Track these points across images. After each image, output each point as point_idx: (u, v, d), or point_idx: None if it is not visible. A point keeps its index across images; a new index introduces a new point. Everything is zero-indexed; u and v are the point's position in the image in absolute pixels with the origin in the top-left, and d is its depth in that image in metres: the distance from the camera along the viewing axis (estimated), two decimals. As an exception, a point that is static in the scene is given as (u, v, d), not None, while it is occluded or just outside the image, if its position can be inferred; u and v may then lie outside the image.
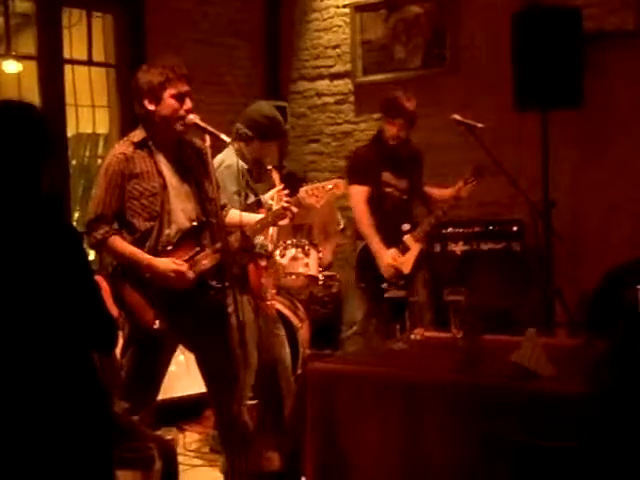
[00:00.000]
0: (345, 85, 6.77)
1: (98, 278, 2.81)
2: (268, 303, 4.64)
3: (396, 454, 2.95)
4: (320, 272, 5.39)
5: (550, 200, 5.25)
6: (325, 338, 5.84)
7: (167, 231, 3.44)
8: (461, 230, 5.71)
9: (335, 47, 6.81)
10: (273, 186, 4.55)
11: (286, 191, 4.27)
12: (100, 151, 6.52)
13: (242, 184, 4.25)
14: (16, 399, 2.26)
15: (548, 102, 5.15)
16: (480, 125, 4.74)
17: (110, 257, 3.56)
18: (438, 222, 4.86)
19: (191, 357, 3.74)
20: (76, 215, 6.06)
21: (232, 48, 6.72)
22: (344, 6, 6.71)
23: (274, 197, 4.36)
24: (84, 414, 2.35)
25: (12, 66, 5.68)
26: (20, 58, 5.65)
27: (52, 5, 5.50)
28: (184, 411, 5.12)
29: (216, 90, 6.35)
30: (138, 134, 3.49)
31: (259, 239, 4.23)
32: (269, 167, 4.67)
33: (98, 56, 5.90)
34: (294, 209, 3.63)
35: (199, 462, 4.60)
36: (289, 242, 5.22)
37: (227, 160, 4.22)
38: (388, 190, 4.81)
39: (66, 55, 5.63)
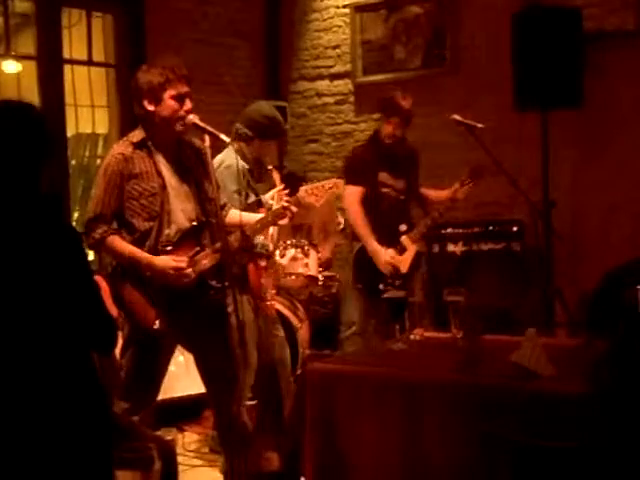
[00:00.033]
0: (345, 85, 6.77)
1: (98, 278, 2.80)
2: (268, 303, 4.64)
3: (396, 454, 2.94)
4: (320, 272, 5.39)
5: (550, 200, 5.25)
6: (325, 338, 5.84)
7: (167, 231, 3.44)
8: (461, 230, 5.71)
9: (335, 47, 6.81)
10: (273, 186, 4.55)
11: (286, 191, 4.27)
12: (100, 151, 6.51)
13: (242, 183, 4.26)
14: (16, 399, 2.26)
15: (548, 102, 5.15)
16: (480, 125, 4.74)
17: (109, 257, 3.56)
18: (434, 223, 4.86)
19: (191, 357, 3.74)
20: (75, 215, 6.05)
21: (232, 48, 6.72)
22: (344, 6, 6.71)
23: (274, 197, 4.36)
24: (84, 414, 2.35)
25: (12, 66, 5.67)
26: (20, 58, 5.64)
27: (52, 5, 5.50)
28: (184, 411, 5.12)
29: (216, 90, 6.35)
30: (137, 134, 3.49)
31: (260, 239, 4.23)
32: (269, 167, 4.67)
33: (98, 56, 5.90)
34: (294, 208, 3.63)
35: (199, 462, 4.60)
36: (289, 242, 5.22)
37: (227, 160, 4.22)
38: (385, 190, 4.80)
39: (66, 55, 5.62)
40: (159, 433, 3.79)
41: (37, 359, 2.28)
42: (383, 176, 4.80)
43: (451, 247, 5.71)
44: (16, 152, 2.37)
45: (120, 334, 3.19)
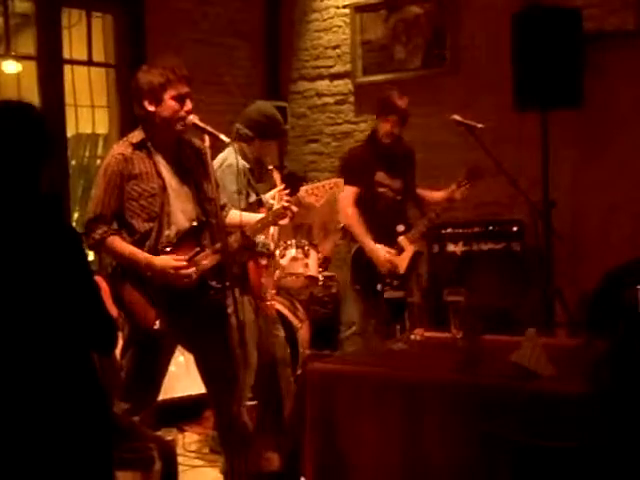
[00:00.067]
0: (345, 85, 6.77)
1: (98, 278, 2.80)
2: (268, 303, 4.64)
3: (396, 454, 2.94)
4: (320, 272, 5.39)
5: (550, 200, 5.26)
6: (325, 338, 5.84)
7: (167, 232, 3.43)
8: (461, 230, 5.71)
9: (335, 47, 6.81)
10: (274, 186, 4.55)
11: (287, 191, 4.27)
12: (99, 151, 6.51)
13: (243, 182, 4.26)
14: (16, 400, 2.26)
15: (548, 102, 5.15)
16: (480, 125, 4.74)
17: (109, 257, 3.55)
18: (432, 224, 4.86)
19: (191, 358, 3.73)
20: (75, 215, 6.05)
21: (232, 48, 6.72)
22: (344, 6, 6.72)
23: (275, 196, 4.37)
24: (84, 415, 2.35)
25: (12, 66, 5.67)
26: (20, 58, 5.64)
27: (52, 5, 5.50)
28: (184, 412, 5.12)
29: (216, 90, 6.35)
30: (137, 135, 3.48)
31: (260, 238, 4.23)
32: (270, 167, 4.67)
33: (98, 56, 5.90)
34: (294, 208, 3.63)
35: (199, 463, 4.60)
36: (289, 242, 5.22)
37: (229, 159, 4.22)
38: (382, 190, 4.80)
39: (66, 55, 5.63)
40: (159, 433, 3.79)
41: (37, 360, 2.28)
42: (380, 176, 4.79)
43: (451, 247, 5.71)
44: (16, 152, 2.37)
45: (120, 334, 3.19)
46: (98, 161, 6.29)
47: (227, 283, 3.45)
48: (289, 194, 4.08)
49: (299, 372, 4.83)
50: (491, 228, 5.65)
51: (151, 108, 3.41)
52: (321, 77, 6.91)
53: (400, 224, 4.79)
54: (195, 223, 3.47)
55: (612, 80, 5.40)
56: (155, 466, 2.96)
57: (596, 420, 2.42)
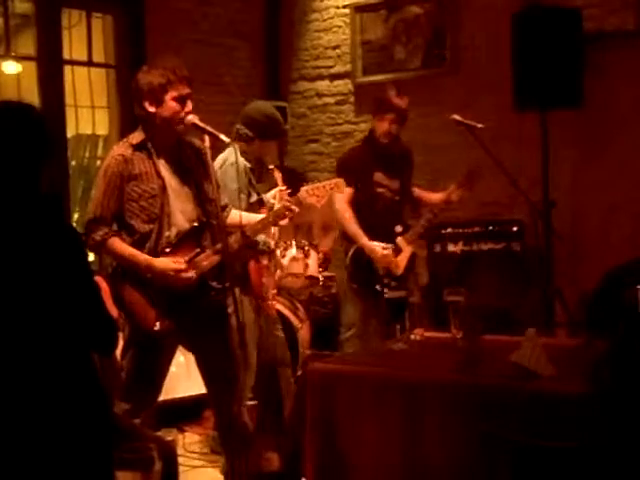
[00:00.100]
0: (345, 85, 6.77)
1: (98, 279, 2.80)
2: (269, 303, 4.64)
3: (396, 454, 2.94)
4: (320, 272, 5.39)
5: (550, 200, 5.25)
6: (325, 338, 5.84)
7: (167, 233, 3.43)
8: (461, 230, 5.71)
9: (335, 47, 6.81)
10: (274, 185, 4.55)
11: (288, 190, 4.27)
12: (100, 152, 6.51)
13: (244, 182, 4.26)
14: (16, 400, 2.26)
15: (548, 102, 5.15)
16: (480, 125, 4.73)
17: (110, 258, 3.56)
18: (429, 224, 4.85)
19: (191, 358, 3.74)
20: (75, 216, 6.05)
21: (232, 48, 6.72)
22: (344, 6, 6.71)
23: (276, 196, 4.37)
24: (84, 415, 2.35)
25: (12, 67, 5.67)
26: (20, 59, 5.64)
27: (52, 6, 5.50)
28: (184, 412, 5.12)
29: (216, 90, 6.35)
30: (137, 136, 3.48)
31: (261, 236, 4.23)
32: (271, 167, 4.67)
33: (98, 57, 5.90)
34: (295, 208, 3.62)
35: (199, 463, 4.60)
36: (289, 242, 5.22)
37: (229, 159, 4.21)
38: (380, 190, 4.78)
39: (66, 56, 5.63)
40: (160, 434, 3.80)
41: (37, 360, 2.28)
42: (378, 176, 4.78)
43: (451, 247, 5.70)
44: (16, 152, 2.37)
45: (121, 335, 3.19)
46: (98, 162, 6.29)
47: (227, 284, 3.46)
48: (290, 194, 4.08)
49: (299, 372, 4.83)
50: (491, 228, 5.65)
51: (152, 109, 3.41)
52: (321, 77, 6.91)
53: (398, 225, 4.78)
54: (196, 224, 3.47)
55: (612, 80, 5.40)
56: (155, 466, 2.96)
57: (596, 420, 2.42)
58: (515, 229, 5.59)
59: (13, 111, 2.44)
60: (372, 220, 4.72)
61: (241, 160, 4.15)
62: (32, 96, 5.33)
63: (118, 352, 3.28)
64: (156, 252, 3.41)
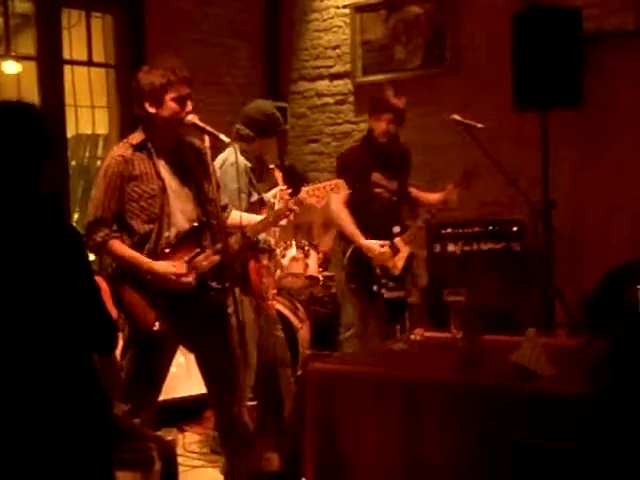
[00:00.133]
0: (345, 85, 6.77)
1: (98, 279, 2.80)
2: (269, 303, 4.64)
3: (396, 454, 2.94)
4: (320, 272, 5.39)
5: (550, 200, 5.26)
6: (325, 338, 5.84)
7: (167, 233, 3.43)
8: (461, 230, 5.71)
9: (335, 47, 6.81)
10: (275, 185, 4.56)
11: (289, 190, 4.27)
12: (100, 152, 6.52)
13: (245, 182, 4.26)
14: (16, 401, 2.26)
15: (548, 102, 5.15)
16: (480, 125, 4.73)
17: (110, 258, 3.55)
18: (427, 225, 4.85)
19: (191, 358, 3.74)
20: (76, 216, 6.06)
21: (232, 49, 6.73)
22: (344, 6, 6.71)
23: (277, 195, 4.37)
24: (84, 416, 2.35)
25: (12, 67, 5.68)
26: (20, 59, 5.65)
27: (51, 6, 5.50)
28: (184, 412, 5.12)
29: (216, 90, 6.35)
30: (137, 136, 3.48)
31: (262, 235, 4.22)
32: (271, 166, 4.67)
33: (98, 57, 5.90)
34: (296, 209, 3.62)
35: (199, 463, 4.60)
36: (289, 242, 5.22)
37: (230, 159, 4.21)
38: (378, 191, 4.77)
39: (66, 56, 5.63)
40: (160, 434, 3.79)
41: (37, 360, 2.28)
42: (376, 176, 4.76)
43: (451, 247, 5.70)
44: (16, 152, 2.37)
45: (120, 335, 3.19)
46: (98, 162, 6.30)
47: (227, 284, 3.46)
48: (290, 193, 4.08)
49: (299, 372, 4.83)
50: (491, 228, 5.65)
51: (152, 109, 3.41)
52: (321, 77, 6.91)
53: (396, 225, 4.77)
54: (195, 224, 3.47)
55: (612, 80, 5.40)
56: (155, 466, 2.96)
57: (596, 420, 2.42)
58: (515, 229, 5.59)
59: (13, 111, 2.44)
60: (369, 220, 4.71)
61: (241, 159, 4.15)
62: (32, 96, 5.33)
63: (118, 352, 3.28)
64: (155, 252, 3.41)
